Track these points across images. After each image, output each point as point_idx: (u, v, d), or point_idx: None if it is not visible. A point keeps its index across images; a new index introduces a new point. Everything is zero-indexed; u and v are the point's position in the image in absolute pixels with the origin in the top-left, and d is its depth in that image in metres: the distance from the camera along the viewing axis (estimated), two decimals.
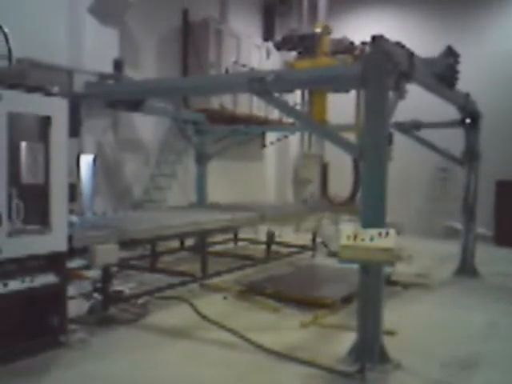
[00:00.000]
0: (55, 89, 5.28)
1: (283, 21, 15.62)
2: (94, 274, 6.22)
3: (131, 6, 9.52)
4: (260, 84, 5.83)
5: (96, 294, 6.26)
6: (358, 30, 12.98)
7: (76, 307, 6.05)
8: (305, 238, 11.47)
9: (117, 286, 6.79)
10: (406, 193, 13.95)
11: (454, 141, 9.91)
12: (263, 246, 10.12)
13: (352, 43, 8.15)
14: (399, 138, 9.62)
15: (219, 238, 10.81)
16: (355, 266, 5.21)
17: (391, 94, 5.33)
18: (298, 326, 6.26)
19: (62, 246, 5.32)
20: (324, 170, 14.72)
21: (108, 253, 5.90)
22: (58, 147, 5.25)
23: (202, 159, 11.12)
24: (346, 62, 7.51)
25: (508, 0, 13.76)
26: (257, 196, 13.62)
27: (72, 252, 5.53)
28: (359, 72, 5.26)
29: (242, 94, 11.53)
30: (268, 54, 13.69)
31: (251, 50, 13.20)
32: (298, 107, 9.86)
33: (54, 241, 5.24)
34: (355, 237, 4.89)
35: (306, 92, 9.09)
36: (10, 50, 5.34)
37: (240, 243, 11.45)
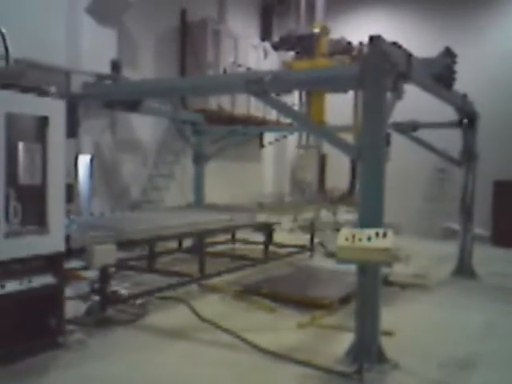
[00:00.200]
0: (53, 89, 5.28)
1: (281, 21, 15.64)
2: (92, 274, 6.22)
3: (130, 6, 9.52)
4: (258, 85, 5.82)
5: (94, 295, 6.25)
6: (356, 30, 13.01)
7: (74, 308, 6.05)
8: (303, 239, 11.48)
9: (115, 286, 6.77)
10: (404, 193, 13.96)
11: (451, 141, 9.92)
12: (261, 247, 10.12)
13: (350, 44, 8.17)
14: (397, 139, 9.63)
15: (217, 238, 10.81)
16: (353, 267, 5.22)
17: (389, 94, 5.33)
18: (296, 327, 6.26)
19: (59, 246, 5.31)
20: (322, 161, 14.78)
21: (106, 253, 5.90)
22: (55, 148, 5.24)
23: (199, 160, 11.12)
24: (343, 63, 7.52)
25: (507, 1, 13.77)
26: (255, 196, 13.59)
27: (70, 253, 5.53)
28: (357, 72, 5.26)
29: (240, 94, 11.54)
30: (266, 55, 13.71)
31: (249, 50, 13.21)
32: (295, 108, 9.87)
33: (52, 241, 5.23)
34: (353, 237, 4.89)
35: (304, 93, 9.10)
36: (7, 51, 5.33)
37: (238, 244, 11.44)
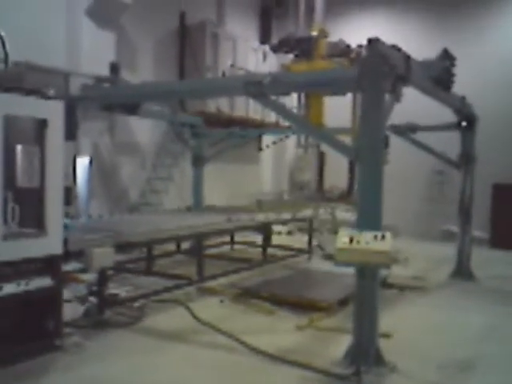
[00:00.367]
0: (51, 91, 5.28)
1: (280, 23, 15.65)
2: (90, 277, 6.21)
3: (127, 7, 9.52)
4: (256, 87, 5.83)
5: (92, 298, 6.24)
6: (355, 32, 12.99)
7: (72, 310, 6.04)
8: (301, 240, 11.47)
9: (113, 289, 6.78)
10: (403, 195, 13.97)
11: (450, 144, 9.94)
12: (259, 249, 10.11)
13: (348, 46, 8.18)
14: (396, 141, 9.63)
15: (215, 240, 10.81)
16: (351, 269, 5.22)
17: (387, 96, 5.34)
18: (294, 329, 6.26)
19: (57, 249, 5.31)
20: (321, 160, 14.81)
21: (104, 256, 5.89)
22: (53, 150, 5.24)
23: (198, 162, 11.12)
24: (342, 65, 7.53)
25: (506, 1, 13.80)
26: (253, 197, 13.59)
27: (68, 255, 5.52)
28: (355, 75, 5.27)
29: (239, 97, 11.54)
30: (265, 57, 13.72)
31: (248, 52, 13.22)
32: (294, 110, 9.86)
33: (50, 244, 5.23)
34: (351, 239, 4.90)
35: (303, 95, 9.10)
36: (6, 53, 5.33)
37: (236, 246, 11.44)
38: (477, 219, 10.01)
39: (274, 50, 9.28)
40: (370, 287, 5.11)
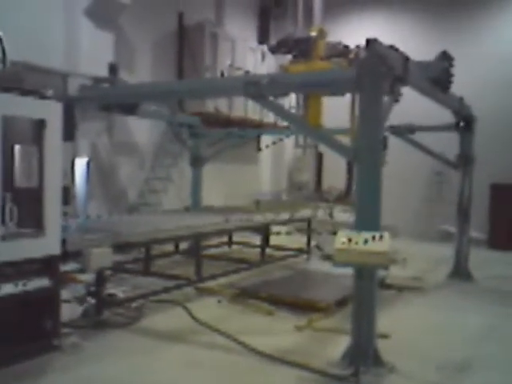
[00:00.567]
0: (50, 92, 5.27)
1: (278, 24, 15.65)
2: (88, 277, 6.20)
3: (126, 8, 9.52)
4: (255, 88, 5.83)
5: (90, 298, 6.23)
6: (354, 33, 13.02)
7: (70, 311, 6.04)
8: (300, 241, 11.48)
9: (111, 289, 6.77)
10: (402, 196, 13.98)
11: (448, 145, 9.94)
12: (258, 250, 10.11)
13: (347, 47, 8.18)
14: (395, 142, 9.66)
15: (214, 241, 10.81)
16: (350, 270, 5.22)
17: (386, 97, 5.34)
18: (293, 330, 6.26)
19: (55, 249, 5.30)
20: (319, 160, 14.82)
21: (102, 256, 5.89)
22: (52, 150, 5.24)
23: (197, 162, 11.12)
24: (340, 66, 7.52)
25: (504, 1, 13.81)
26: (252, 198, 13.60)
27: (66, 255, 5.52)
28: (354, 76, 5.27)
29: (237, 97, 11.54)
30: (263, 57, 13.72)
31: (246, 53, 13.22)
32: (292, 111, 9.87)
33: (48, 244, 5.22)
34: (350, 240, 4.90)
35: (301, 96, 9.09)
36: (4, 53, 5.33)
37: (234, 246, 11.44)
38: (475, 220, 10.02)
39: (273, 50, 9.27)
40: (368, 288, 5.12)
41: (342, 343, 5.28)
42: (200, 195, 11.15)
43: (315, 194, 14.17)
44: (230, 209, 10.11)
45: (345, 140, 6.11)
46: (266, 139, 13.97)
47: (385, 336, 5.74)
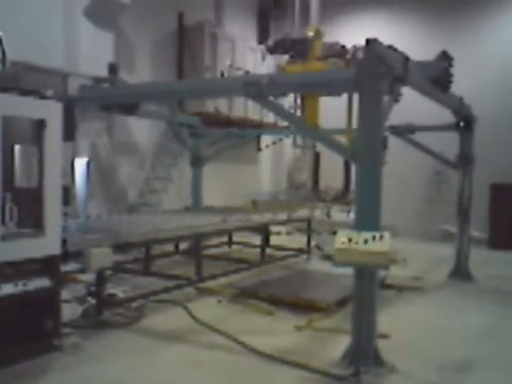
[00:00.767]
0: (49, 92, 5.27)
1: (278, 24, 15.65)
2: (88, 277, 6.21)
3: (126, 8, 9.51)
4: (255, 88, 5.83)
5: (90, 298, 6.24)
6: (354, 32, 13.01)
7: (70, 311, 6.04)
8: (300, 241, 11.48)
9: (111, 289, 6.77)
10: (402, 196, 13.97)
11: (448, 145, 9.94)
12: (258, 250, 10.11)
13: (344, 47, 8.17)
14: (395, 142, 9.66)
15: (214, 241, 10.80)
16: (350, 270, 5.22)
17: (385, 97, 5.34)
18: (293, 330, 6.26)
19: (55, 249, 5.31)
20: (316, 160, 14.81)
21: (102, 256, 5.89)
22: (52, 150, 5.24)
23: (197, 162, 11.12)
24: (337, 66, 7.52)
25: (505, 1, 13.80)
26: (251, 197, 13.61)
27: (66, 255, 5.52)
28: (353, 76, 5.27)
29: (237, 97, 11.53)
30: (263, 57, 13.71)
31: (246, 53, 13.22)
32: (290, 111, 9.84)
33: (48, 244, 5.22)
34: (350, 240, 4.90)
35: (298, 96, 9.07)
36: (4, 53, 5.33)
37: (234, 246, 11.44)
38: (475, 219, 10.02)
39: (270, 50, 9.25)
40: (368, 288, 5.12)
41: (342, 343, 5.28)
42: (200, 195, 11.15)
43: (312, 194, 14.16)
44: (229, 209, 10.10)
45: (341, 140, 6.11)
46: (265, 139, 13.97)
47: (385, 336, 5.74)
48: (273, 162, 16.13)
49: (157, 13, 11.55)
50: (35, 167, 5.14)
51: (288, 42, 8.37)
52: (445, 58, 7.53)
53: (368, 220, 5.14)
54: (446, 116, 9.48)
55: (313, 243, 11.22)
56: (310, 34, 8.19)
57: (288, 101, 10.76)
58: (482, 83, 13.30)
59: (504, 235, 12.95)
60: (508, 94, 13.45)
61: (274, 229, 11.57)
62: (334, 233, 5.25)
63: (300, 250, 10.94)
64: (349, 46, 7.92)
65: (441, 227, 13.79)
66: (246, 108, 12.77)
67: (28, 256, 5.02)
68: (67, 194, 6.74)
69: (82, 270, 5.95)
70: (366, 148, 5.18)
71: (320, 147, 13.86)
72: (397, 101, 5.53)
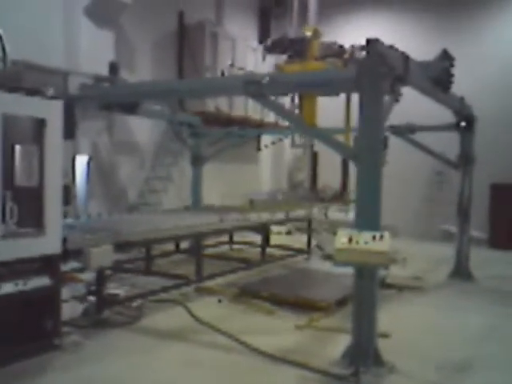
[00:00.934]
0: (50, 91, 5.27)
1: (279, 23, 15.64)
2: (89, 276, 6.21)
3: (126, 7, 9.51)
4: (256, 87, 5.83)
5: (90, 297, 6.23)
6: (354, 32, 13.00)
7: (70, 310, 6.03)
8: (300, 241, 11.47)
9: (111, 288, 6.77)
10: (402, 195, 13.96)
11: (449, 145, 9.93)
12: (258, 249, 10.11)
13: (341, 47, 8.17)
14: (395, 142, 9.64)
15: (214, 240, 10.80)
16: (350, 269, 5.22)
17: (386, 97, 5.34)
18: (293, 329, 6.26)
19: (56, 248, 5.31)
20: (314, 159, 14.79)
21: (102, 255, 5.89)
22: (52, 149, 5.24)
23: (197, 162, 11.12)
24: (335, 66, 7.52)
25: (505, 1, 13.79)
26: (251, 196, 13.61)
27: (66, 254, 5.52)
28: (354, 75, 5.27)
29: (238, 96, 11.53)
30: (264, 57, 13.69)
31: (247, 52, 13.21)
32: None
33: (48, 243, 5.22)
34: (350, 240, 4.90)
35: (296, 95, 9.06)
36: (4, 52, 5.32)
37: (235, 246, 11.43)
38: (475, 219, 10.02)
39: (268, 50, 9.23)
40: (368, 287, 5.12)
41: (342, 343, 5.28)
42: (200, 194, 11.15)
43: (310, 194, 14.14)
44: (227, 208, 10.09)
45: (339, 140, 6.11)
46: (266, 139, 13.97)
47: (385, 335, 5.74)
48: (273, 161, 16.13)
49: (157, 12, 11.55)
50: (36, 166, 5.14)
51: (286, 41, 8.37)
52: (446, 57, 7.52)
53: (368, 220, 5.13)
54: (447, 116, 9.47)
55: (313, 243, 11.22)
56: (308, 33, 8.19)
57: (285, 101, 10.78)
58: (482, 83, 13.29)
59: (504, 235, 12.95)
60: (508, 93, 13.44)
61: (274, 228, 11.57)
62: (335, 233, 5.25)
63: (300, 250, 10.93)
64: (348, 46, 7.92)
65: (441, 227, 13.79)
66: (247, 107, 12.76)
67: (28, 255, 5.02)
68: (68, 192, 6.74)
69: (83, 269, 5.96)
70: (366, 148, 5.18)
71: (318, 147, 13.84)
72: (397, 101, 5.52)
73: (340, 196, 13.59)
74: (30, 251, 5.04)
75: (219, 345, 5.66)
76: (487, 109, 11.90)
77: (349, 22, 15.35)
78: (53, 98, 5.28)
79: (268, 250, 10.18)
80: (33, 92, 5.10)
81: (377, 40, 5.25)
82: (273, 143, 13.53)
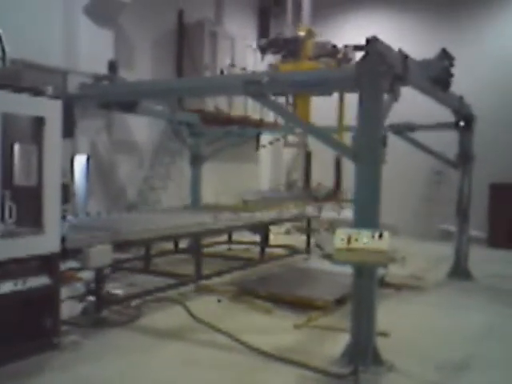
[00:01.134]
0: (49, 90, 5.26)
1: (278, 22, 15.63)
2: (88, 275, 6.20)
3: (126, 6, 9.51)
4: (255, 86, 5.83)
5: (89, 296, 6.23)
6: (353, 31, 13.03)
7: (69, 309, 6.03)
8: (299, 240, 11.47)
9: (110, 287, 6.77)
10: (401, 195, 13.96)
11: (448, 144, 9.92)
12: (257, 248, 10.11)
13: (335, 46, 8.19)
14: (395, 141, 9.60)
15: (213, 239, 10.80)
16: (349, 268, 5.22)
17: (385, 96, 5.34)
18: (292, 328, 6.26)
19: (55, 247, 5.30)
20: (308, 158, 14.77)
21: (101, 254, 5.88)
22: (51, 148, 5.23)
23: (196, 161, 11.11)
24: (329, 66, 7.53)
25: (506, 0, 13.78)
26: (247, 197, 13.59)
27: (65, 253, 5.51)
28: (353, 74, 5.27)
29: (237, 95, 11.52)
30: (263, 56, 13.68)
31: (246, 51, 13.19)
32: None
33: (47, 242, 5.21)
34: (349, 239, 4.90)
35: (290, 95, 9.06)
36: (3, 51, 5.32)
37: (234, 245, 11.43)
38: (474, 219, 10.01)
39: (263, 50, 9.22)
40: (367, 286, 5.12)
41: (341, 341, 5.28)
42: (199, 194, 11.14)
43: (304, 193, 14.13)
44: (230, 207, 10.09)
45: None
46: (266, 138, 13.96)
47: (384, 334, 5.74)
48: (272, 160, 16.12)
49: (157, 11, 11.54)
50: (34, 165, 5.13)
51: (280, 41, 8.39)
52: (445, 56, 7.52)
53: (367, 219, 5.13)
54: (446, 115, 9.47)
55: (312, 242, 11.22)
56: (302, 33, 8.20)
57: (280, 100, 10.76)
58: (482, 82, 13.29)
59: (503, 235, 12.96)
60: (508, 93, 13.43)
61: (273, 228, 11.55)
62: (333, 231, 5.25)
63: (300, 249, 10.93)
64: (339, 45, 7.96)
65: (440, 226, 13.80)
66: (246, 106, 12.75)
67: (27, 254, 5.01)
68: (67, 191, 6.73)
69: (81, 268, 5.95)
70: (365, 146, 5.17)
71: (311, 146, 13.80)
72: (396, 100, 5.52)
73: (334, 195, 13.58)
74: (29, 250, 5.03)
75: (218, 344, 5.66)
76: (487, 108, 11.90)
77: (347, 21, 15.34)
78: (52, 97, 5.27)
79: (267, 249, 10.18)
80: (32, 91, 5.09)
81: (376, 39, 5.25)
82: (270, 143, 13.53)
